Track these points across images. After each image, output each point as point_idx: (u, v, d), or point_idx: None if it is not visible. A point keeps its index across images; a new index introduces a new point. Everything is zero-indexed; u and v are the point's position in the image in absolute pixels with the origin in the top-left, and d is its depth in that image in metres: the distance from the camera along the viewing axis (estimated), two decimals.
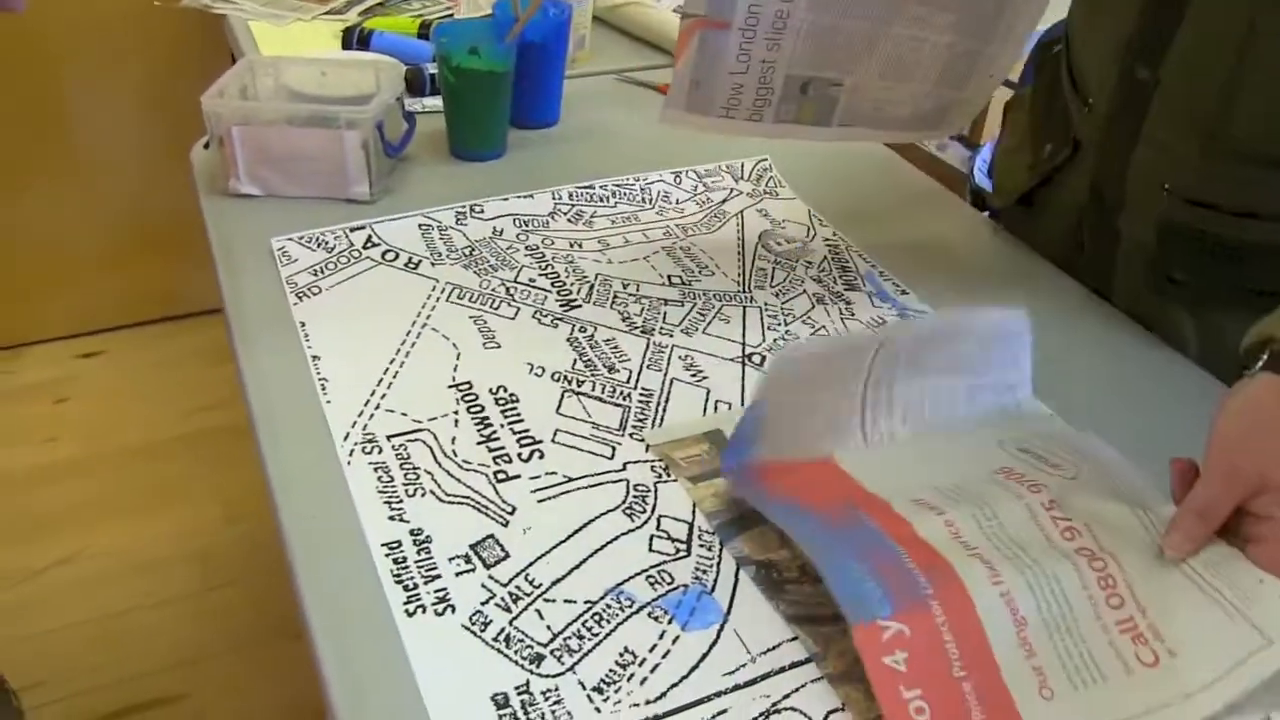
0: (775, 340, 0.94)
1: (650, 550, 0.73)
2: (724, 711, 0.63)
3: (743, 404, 0.86)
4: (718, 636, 0.67)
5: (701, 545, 0.74)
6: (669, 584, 0.71)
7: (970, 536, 0.70)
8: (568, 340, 0.92)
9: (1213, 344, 0.94)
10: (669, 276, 1.01)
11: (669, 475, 0.79)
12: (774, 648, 0.67)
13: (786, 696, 0.64)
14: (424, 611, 0.68)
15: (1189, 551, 0.68)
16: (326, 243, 1.02)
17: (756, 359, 0.91)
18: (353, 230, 1.04)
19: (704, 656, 0.66)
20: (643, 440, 0.82)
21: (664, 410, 0.85)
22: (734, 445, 0.78)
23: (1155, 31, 0.88)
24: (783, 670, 0.66)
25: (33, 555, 1.49)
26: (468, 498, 0.76)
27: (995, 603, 0.65)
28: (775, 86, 0.93)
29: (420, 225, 1.06)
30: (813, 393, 0.77)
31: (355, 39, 1.37)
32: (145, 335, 1.54)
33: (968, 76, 0.98)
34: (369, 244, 1.03)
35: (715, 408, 0.86)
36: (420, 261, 1.01)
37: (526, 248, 1.04)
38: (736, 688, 0.64)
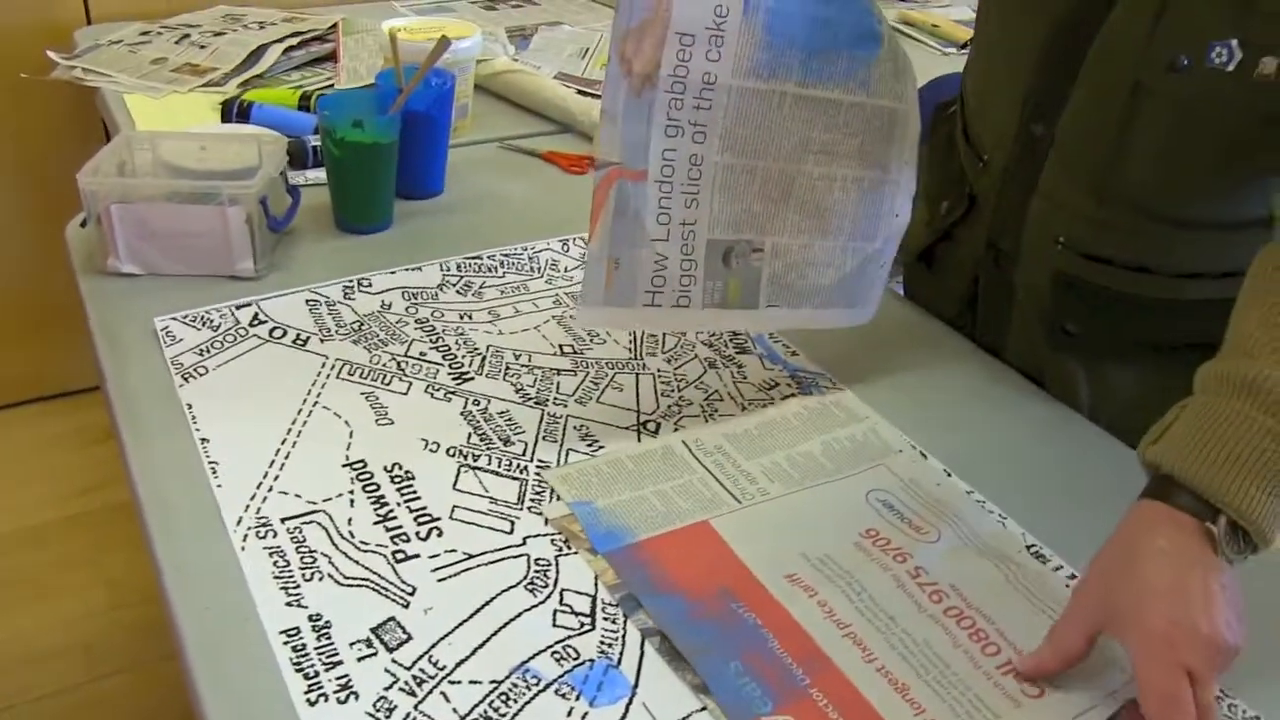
0: (669, 406, 0.95)
1: (554, 625, 0.73)
2: None
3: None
4: (626, 710, 0.67)
5: (605, 618, 0.74)
6: (575, 659, 0.71)
7: (843, 614, 0.75)
8: (461, 414, 0.92)
9: (1104, 396, 0.98)
10: (560, 346, 1.02)
11: (569, 548, 0.79)
12: (685, 718, 0.67)
13: None
14: (325, 700, 0.67)
15: (1038, 676, 0.70)
16: (212, 321, 1.01)
17: (651, 426, 0.92)
18: (238, 308, 1.03)
19: None
20: (541, 514, 0.82)
21: None
22: (604, 533, 0.80)
23: (1051, 89, 0.92)
24: None
25: None
26: (366, 580, 0.75)
27: (873, 678, 0.70)
28: (698, 258, 0.89)
29: (307, 300, 1.05)
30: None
31: (235, 112, 1.35)
32: (15, 417, 1.48)
33: (876, 219, 0.95)
34: (255, 321, 1.01)
35: None
36: (309, 338, 1.00)
37: (416, 320, 1.03)
38: None
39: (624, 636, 0.72)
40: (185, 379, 0.93)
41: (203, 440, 0.87)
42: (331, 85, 1.52)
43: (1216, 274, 0.89)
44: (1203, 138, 0.85)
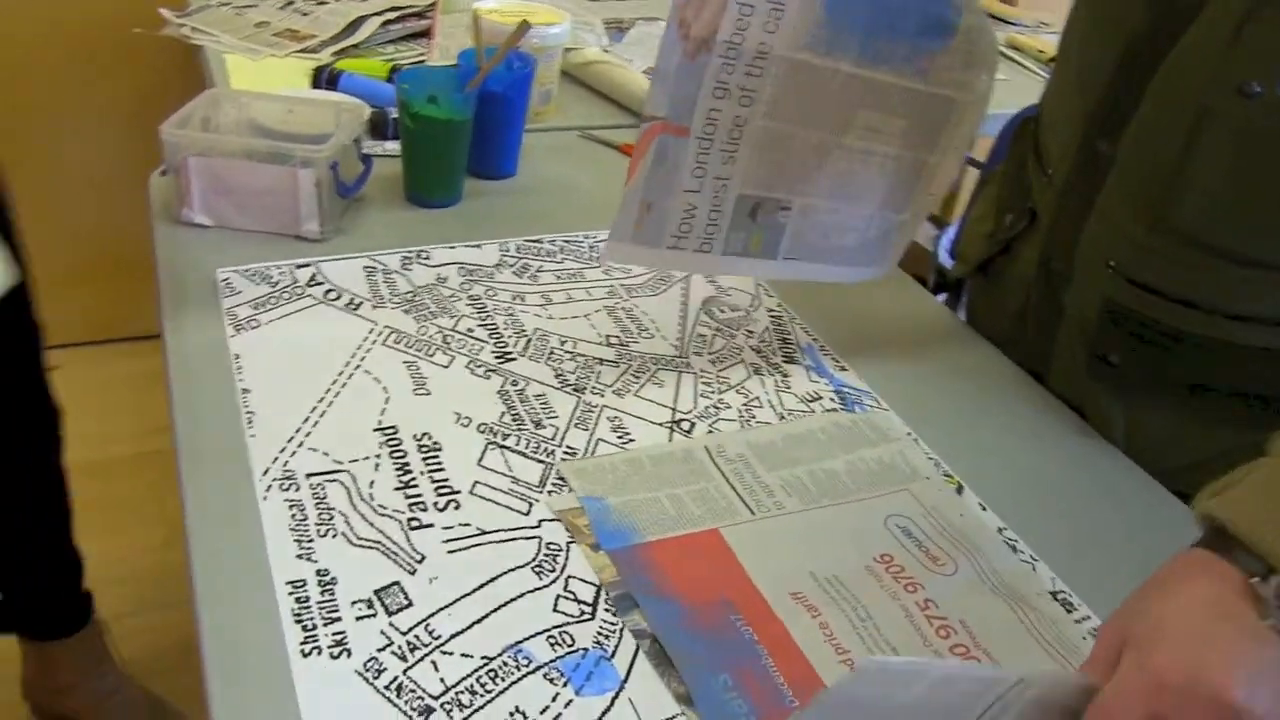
0: (707, 407, 0.94)
1: (554, 610, 0.73)
2: None
3: None
4: (611, 704, 0.67)
5: (607, 610, 0.74)
6: (569, 646, 0.71)
7: (844, 638, 0.73)
8: (498, 393, 0.93)
9: (1140, 433, 0.95)
10: (607, 336, 1.02)
11: (583, 536, 0.79)
12: (670, 719, 0.67)
13: None
14: (319, 653, 0.68)
15: None
16: (270, 277, 1.03)
17: (685, 425, 0.92)
18: (298, 267, 1.04)
19: None
20: (560, 498, 0.82)
21: None
22: (611, 531, 0.80)
23: (1117, 107, 0.89)
24: None
25: None
26: (378, 543, 0.76)
27: None
28: (726, 210, 0.92)
29: (365, 267, 1.06)
30: None
31: (325, 79, 1.38)
32: (100, 354, 1.53)
33: (909, 194, 0.98)
34: (313, 282, 1.03)
35: None
36: (361, 303, 1.01)
37: (469, 297, 1.04)
38: None
39: (622, 631, 0.72)
40: (237, 330, 0.95)
41: (244, 390, 0.88)
42: (423, 61, 1.54)
43: (1269, 320, 0.86)
44: (1267, 171, 0.82)
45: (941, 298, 1.23)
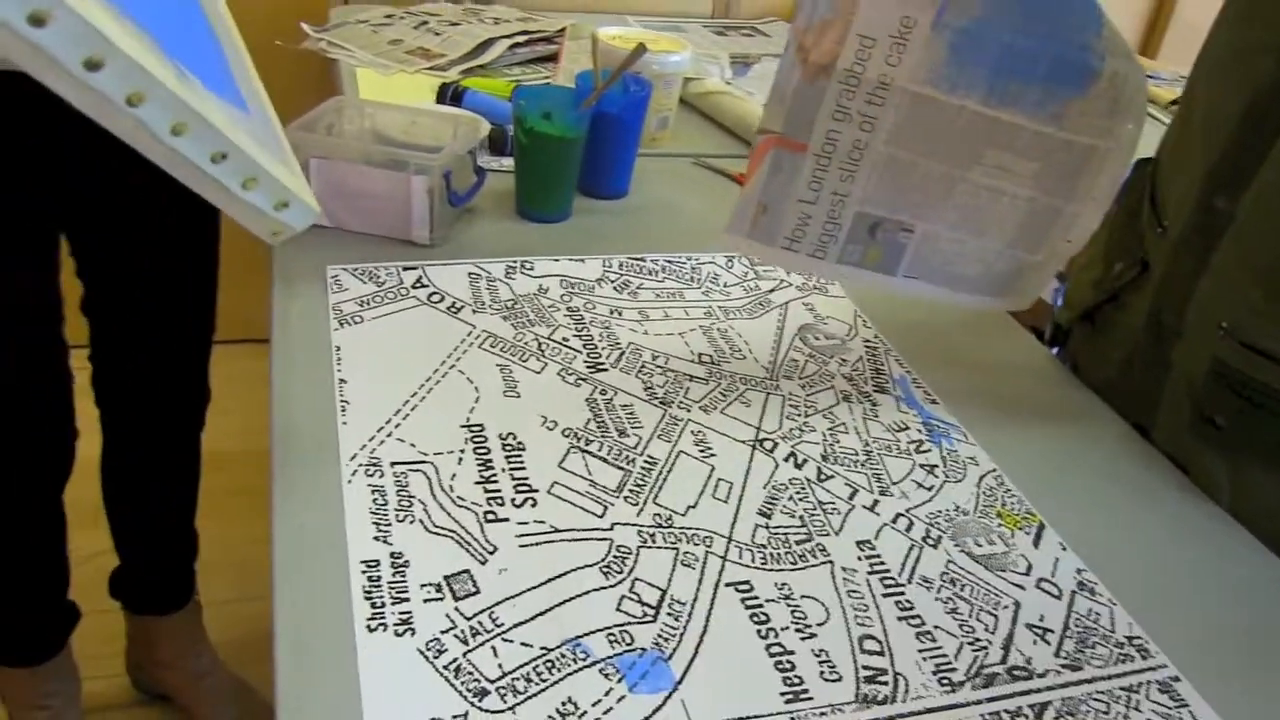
0: (791, 429, 0.94)
1: (618, 610, 0.74)
2: None
3: (744, 486, 0.87)
4: (663, 703, 0.68)
5: (670, 614, 0.74)
6: (628, 644, 0.71)
7: None
8: (586, 400, 0.94)
9: (1246, 498, 0.92)
10: (700, 354, 1.03)
11: (654, 541, 0.80)
12: None
13: None
14: (384, 630, 0.69)
15: None
16: (378, 277, 1.06)
17: (768, 444, 0.92)
18: (405, 269, 1.08)
19: None
20: (636, 505, 0.83)
21: (665, 479, 0.86)
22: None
23: (1239, 163, 0.87)
24: None
25: (90, 540, 1.56)
26: (454, 532, 0.78)
27: None
28: (843, 223, 0.92)
29: (470, 273, 1.09)
30: None
31: (449, 95, 1.42)
32: (223, 352, 1.60)
33: (1043, 239, 0.95)
34: (418, 284, 1.06)
35: (717, 486, 0.87)
36: (463, 307, 1.04)
37: (568, 308, 1.06)
38: None
39: (682, 635, 0.73)
40: (341, 324, 0.99)
41: (341, 381, 0.91)
42: (548, 82, 1.57)
43: None
44: None
45: (1056, 350, 1.21)
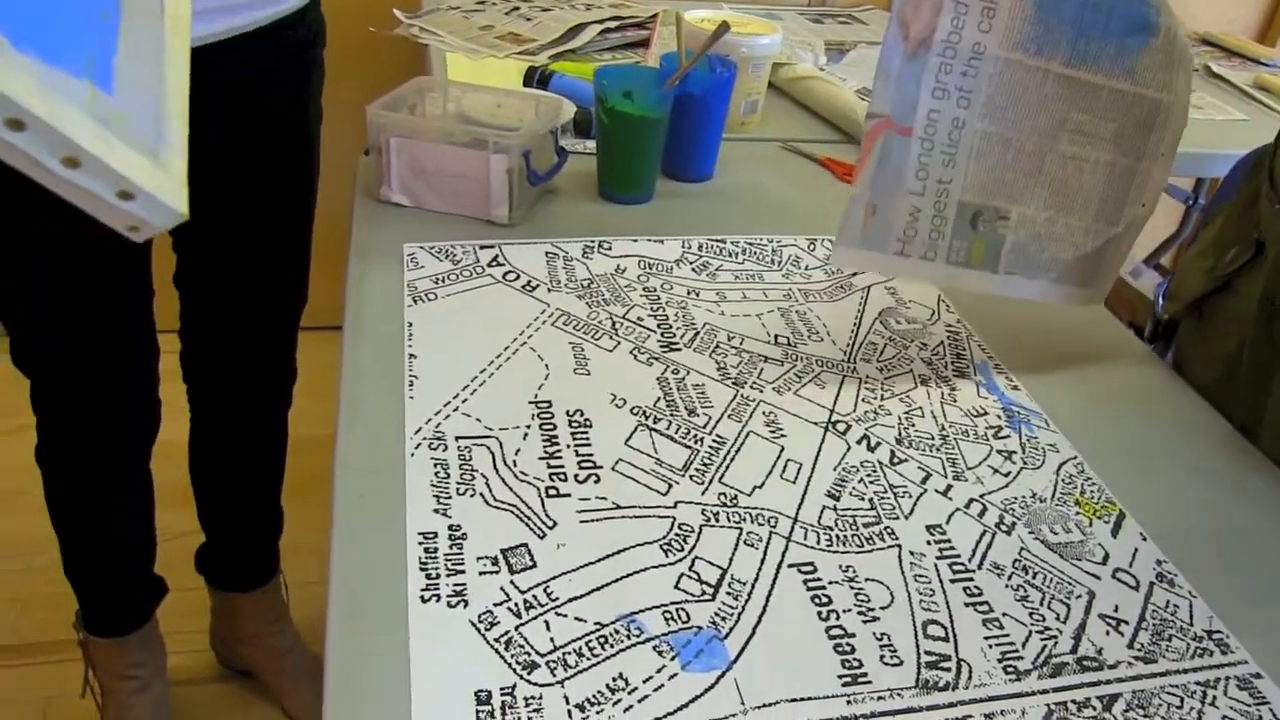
0: (865, 412, 0.92)
1: (676, 588, 0.73)
2: None
3: (813, 468, 0.85)
4: (716, 682, 0.66)
5: (729, 593, 0.73)
6: (684, 622, 0.70)
7: None
8: (658, 379, 0.93)
9: None
10: (776, 336, 1.01)
11: (718, 521, 0.78)
12: (770, 704, 0.65)
13: None
14: (438, 600, 0.69)
15: None
16: (454, 255, 1.06)
17: (841, 426, 0.90)
18: (482, 248, 1.08)
19: (695, 698, 0.65)
20: (702, 484, 0.82)
21: (733, 459, 0.85)
22: None
23: None
24: None
25: (179, 520, 1.60)
26: (514, 506, 0.77)
27: None
28: (949, 215, 0.93)
29: (547, 253, 1.09)
30: None
31: (536, 79, 1.42)
32: (310, 338, 1.62)
33: (1123, 205, 0.95)
34: (494, 262, 1.06)
35: (785, 467, 0.85)
36: (538, 286, 1.03)
37: (645, 288, 1.05)
38: None
39: (740, 615, 0.71)
40: (415, 300, 0.99)
41: (411, 356, 0.92)
42: (631, 64, 1.56)
43: None
44: None
45: (1154, 347, 1.17)
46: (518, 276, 1.04)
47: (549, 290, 1.03)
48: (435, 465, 0.80)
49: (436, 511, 0.76)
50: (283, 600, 1.68)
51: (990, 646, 0.72)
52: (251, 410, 1.48)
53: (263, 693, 1.70)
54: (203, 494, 1.55)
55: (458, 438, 0.83)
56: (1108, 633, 0.74)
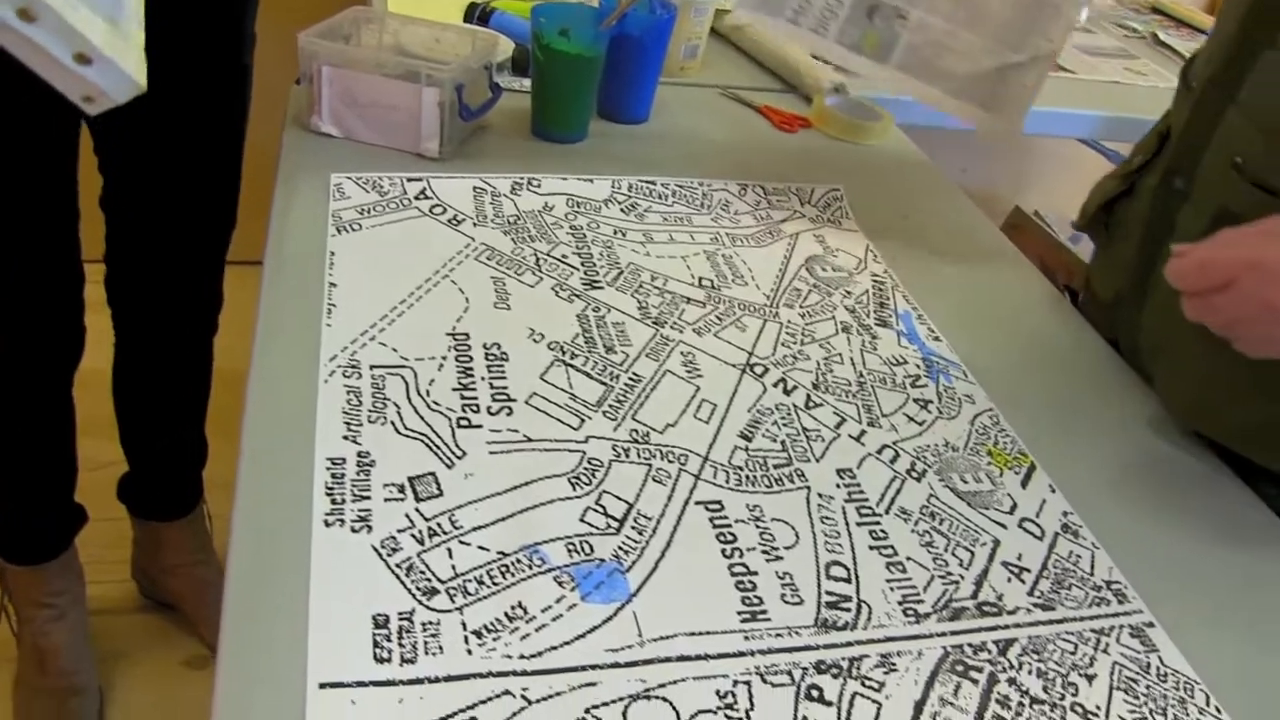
0: (784, 356, 0.92)
1: (581, 521, 0.73)
2: (594, 685, 0.62)
3: (728, 409, 0.85)
4: (615, 614, 0.67)
5: (634, 528, 0.73)
6: (586, 555, 0.70)
7: None
8: (577, 316, 0.93)
9: (1220, 378, 0.89)
10: (700, 278, 1.01)
11: (627, 457, 0.79)
12: (667, 637, 0.66)
13: (662, 686, 0.63)
14: (341, 525, 0.69)
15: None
16: (381, 186, 1.05)
17: (759, 369, 0.90)
18: (410, 180, 1.06)
19: (593, 629, 0.65)
20: (615, 420, 0.82)
21: (647, 397, 0.85)
22: None
23: (1275, 7, 0.85)
24: (667, 660, 0.64)
25: (102, 450, 1.58)
26: (424, 435, 0.77)
27: None
28: (845, 1, 0.96)
29: (475, 188, 1.08)
30: None
31: (477, 15, 1.40)
32: (252, 274, 1.61)
33: (1027, 34, 0.97)
34: (422, 195, 1.05)
35: (700, 407, 0.85)
36: (464, 220, 1.02)
37: (571, 227, 1.05)
38: (615, 665, 0.63)
39: (644, 549, 0.71)
40: (339, 230, 0.98)
41: (331, 284, 0.91)
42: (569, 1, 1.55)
43: None
44: None
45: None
46: (444, 210, 1.04)
47: (475, 225, 1.02)
48: (348, 393, 0.80)
49: (346, 438, 0.75)
50: (206, 530, 1.67)
51: (892, 589, 0.72)
52: (177, 335, 1.46)
53: (184, 623, 1.69)
54: (126, 420, 1.53)
55: (372, 366, 0.83)
56: (1009, 580, 0.75)
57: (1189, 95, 0.96)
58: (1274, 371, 0.78)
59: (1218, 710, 0.68)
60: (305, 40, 1.10)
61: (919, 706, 0.64)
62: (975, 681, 0.67)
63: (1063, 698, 0.67)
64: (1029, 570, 0.76)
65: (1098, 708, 0.67)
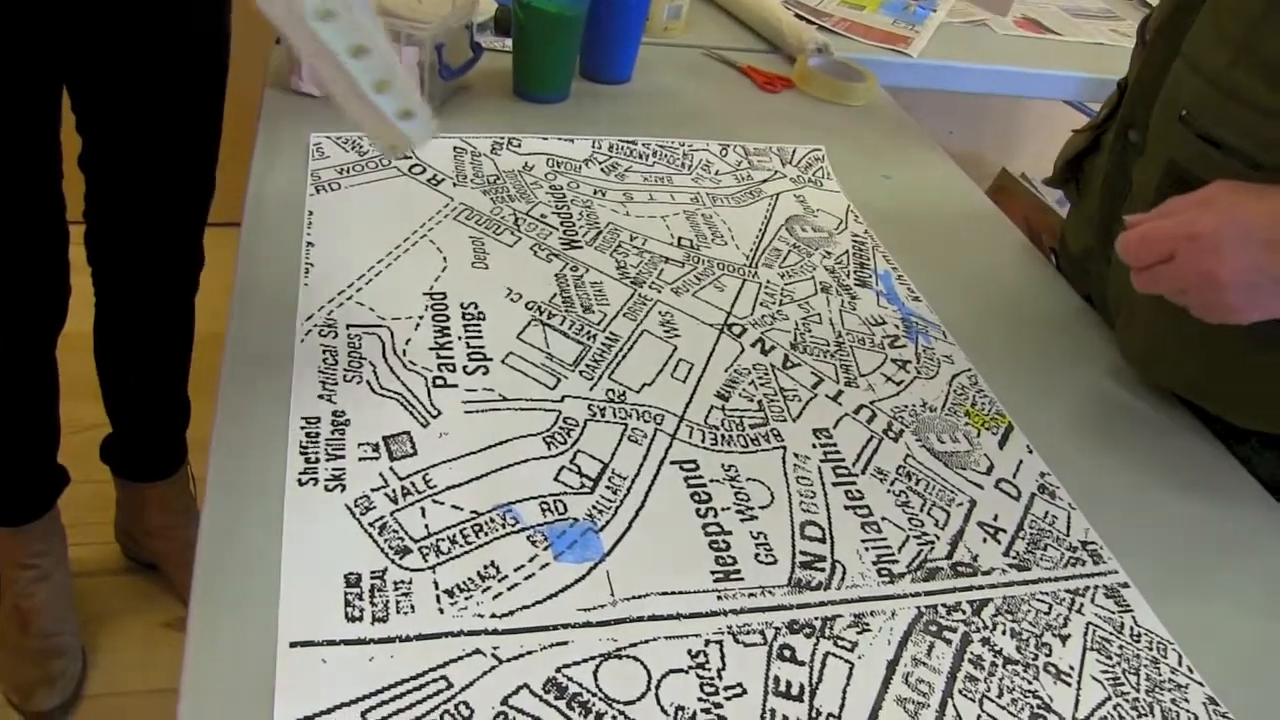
0: (763, 316, 0.92)
1: (555, 480, 0.73)
2: (565, 644, 0.62)
3: (705, 368, 0.85)
4: (588, 573, 0.67)
5: (608, 487, 0.73)
6: (560, 514, 0.70)
7: None
8: (555, 275, 0.92)
9: (1180, 329, 0.88)
10: (679, 238, 1.01)
11: (603, 416, 0.78)
12: (640, 597, 0.66)
13: (634, 645, 0.63)
14: (315, 484, 0.69)
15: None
16: (360, 146, 1.04)
17: (737, 329, 0.90)
18: None
19: (566, 588, 0.65)
20: (591, 379, 0.82)
21: (624, 356, 0.85)
22: None
23: None
24: (639, 620, 0.64)
25: (86, 412, 1.58)
26: (399, 394, 0.77)
27: None
28: None
29: (455, 148, 1.07)
30: None
31: None
32: (212, 235, 1.60)
33: None
34: (401, 155, 1.04)
35: (677, 366, 0.85)
36: (443, 180, 1.02)
37: (551, 186, 1.04)
38: (587, 625, 0.63)
39: (618, 509, 0.71)
40: (318, 190, 0.97)
41: (309, 244, 0.90)
42: None
43: None
44: None
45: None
46: (424, 170, 1.03)
47: (454, 185, 1.02)
48: (324, 352, 0.79)
49: (321, 397, 0.75)
50: (190, 492, 1.67)
51: (866, 549, 0.73)
52: (158, 295, 1.45)
53: (167, 585, 1.69)
54: (108, 381, 1.53)
55: (349, 325, 0.82)
56: (985, 540, 0.75)
57: (1142, 49, 0.97)
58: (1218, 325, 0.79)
59: (1190, 670, 0.68)
60: None
61: (891, 666, 0.65)
62: (949, 642, 0.67)
63: (1036, 658, 0.67)
64: (1005, 531, 0.76)
65: (1071, 668, 0.67)
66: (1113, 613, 0.71)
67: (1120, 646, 0.69)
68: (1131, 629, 0.70)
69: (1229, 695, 0.67)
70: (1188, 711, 0.66)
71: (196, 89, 1.30)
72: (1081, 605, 0.72)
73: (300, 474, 0.69)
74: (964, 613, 0.69)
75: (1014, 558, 0.74)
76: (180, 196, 1.37)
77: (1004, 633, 0.68)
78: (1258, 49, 0.81)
